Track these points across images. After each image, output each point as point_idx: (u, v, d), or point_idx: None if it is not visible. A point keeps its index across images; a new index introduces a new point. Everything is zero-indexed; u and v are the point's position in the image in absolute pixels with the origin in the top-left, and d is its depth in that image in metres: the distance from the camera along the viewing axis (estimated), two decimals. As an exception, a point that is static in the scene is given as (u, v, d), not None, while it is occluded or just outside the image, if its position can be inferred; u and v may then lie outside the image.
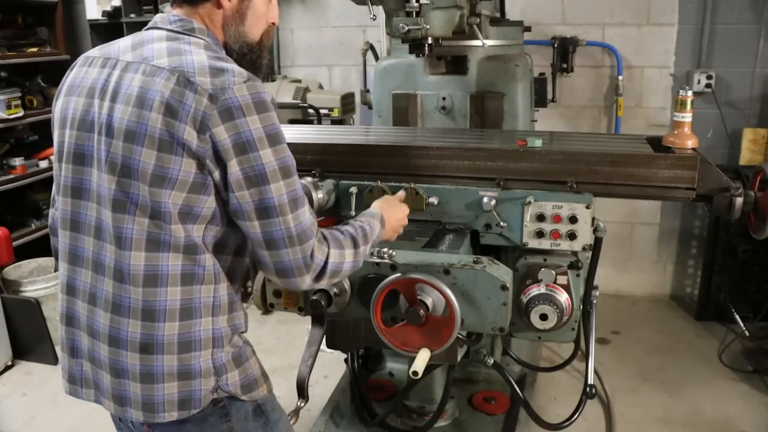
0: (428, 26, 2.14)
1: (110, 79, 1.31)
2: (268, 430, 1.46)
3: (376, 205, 1.67)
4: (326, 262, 1.35)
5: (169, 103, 1.23)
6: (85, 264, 1.37)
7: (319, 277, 1.36)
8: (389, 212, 1.66)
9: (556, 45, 4.08)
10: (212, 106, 1.22)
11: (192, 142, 1.22)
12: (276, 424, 1.48)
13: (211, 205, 1.29)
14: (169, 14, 1.40)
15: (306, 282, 1.34)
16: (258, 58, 1.47)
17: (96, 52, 1.41)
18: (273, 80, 4.36)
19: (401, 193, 1.94)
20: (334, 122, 4.01)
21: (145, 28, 1.42)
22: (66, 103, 1.38)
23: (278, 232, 1.28)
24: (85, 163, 1.33)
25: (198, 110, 1.22)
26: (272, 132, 1.27)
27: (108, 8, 4.44)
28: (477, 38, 2.40)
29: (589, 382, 2.12)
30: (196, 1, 1.38)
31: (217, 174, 1.25)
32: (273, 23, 1.49)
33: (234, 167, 1.24)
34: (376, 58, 3.91)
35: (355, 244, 1.44)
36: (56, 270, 1.57)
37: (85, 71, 1.38)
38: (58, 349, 1.45)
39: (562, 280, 1.89)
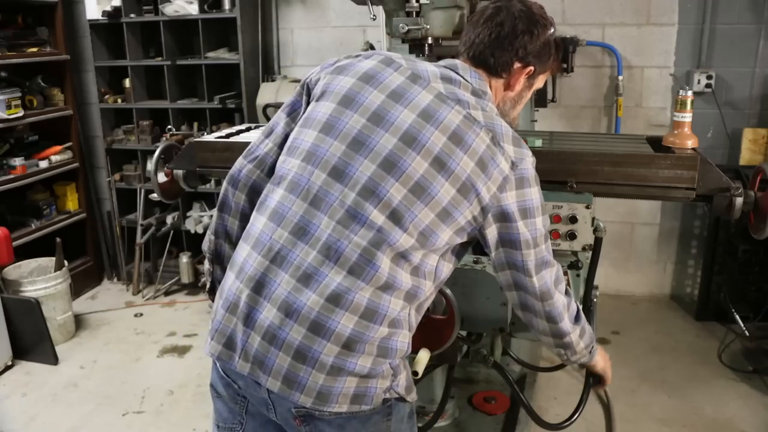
0: (428, 26, 2.15)
1: (423, 98, 1.38)
2: None
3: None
4: (579, 308, 1.57)
5: (482, 157, 1.35)
6: (312, 242, 1.32)
7: (577, 320, 1.56)
8: (602, 356, 1.77)
9: (556, 45, 4.08)
10: (512, 172, 1.36)
11: (486, 196, 1.35)
12: (415, 428, 1.51)
13: (455, 242, 1.39)
14: (470, 69, 1.49)
15: (567, 324, 1.53)
16: None
17: (402, 60, 1.46)
18: (273, 80, 4.36)
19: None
20: (334, 122, 4.00)
21: (444, 64, 1.51)
22: (358, 87, 1.40)
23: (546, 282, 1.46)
24: (359, 151, 1.34)
25: (503, 172, 1.36)
26: (542, 202, 1.44)
27: (108, 8, 4.43)
28: (477, 38, 2.39)
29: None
30: (495, 74, 1.50)
31: (490, 228, 1.39)
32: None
33: (522, 228, 1.39)
34: (376, 58, 3.91)
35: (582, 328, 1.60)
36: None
37: (389, 72, 1.42)
38: (219, 306, 1.41)
39: (562, 280, 1.89)
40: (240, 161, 1.53)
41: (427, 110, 1.36)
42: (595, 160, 1.93)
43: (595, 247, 1.95)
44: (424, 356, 1.65)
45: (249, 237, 1.40)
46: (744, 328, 3.70)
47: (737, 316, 3.73)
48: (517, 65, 1.49)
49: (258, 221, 1.40)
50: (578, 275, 1.92)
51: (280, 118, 1.53)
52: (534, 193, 1.40)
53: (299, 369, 1.29)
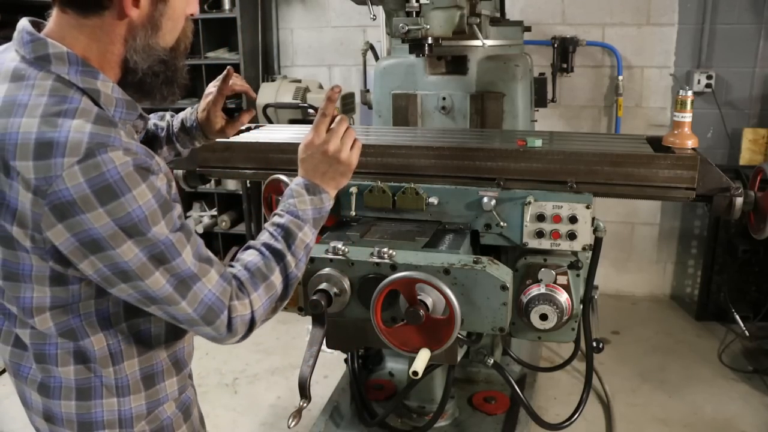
0: (428, 26, 2.14)
1: None
2: None
3: (300, 169, 1.32)
4: (253, 316, 1.15)
5: None
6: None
7: (250, 330, 1.16)
8: (313, 164, 1.31)
9: (556, 45, 4.08)
10: (40, 202, 0.95)
11: (26, 242, 1.01)
12: None
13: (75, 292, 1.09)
14: (26, 28, 1.10)
15: (234, 340, 1.16)
16: (174, 72, 1.18)
17: None
18: (273, 80, 4.36)
19: (338, 120, 1.36)
20: (334, 122, 4.00)
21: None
22: None
23: (181, 316, 1.08)
24: None
25: (25, 207, 0.96)
26: (129, 224, 0.97)
27: (108, 8, 4.44)
28: (477, 38, 2.40)
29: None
30: (86, 10, 1.05)
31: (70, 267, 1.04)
32: (191, 14, 1.18)
33: (88, 269, 1.01)
34: (376, 58, 3.90)
35: (278, 255, 1.21)
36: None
37: None
38: None
39: (562, 280, 1.89)
40: None
41: None
42: (595, 160, 1.93)
43: (595, 247, 1.95)
44: (424, 356, 1.65)
45: None
46: (744, 328, 3.70)
47: (737, 316, 3.73)
48: None
49: None
50: (578, 275, 1.92)
51: None
52: (95, 219, 0.95)
53: None
